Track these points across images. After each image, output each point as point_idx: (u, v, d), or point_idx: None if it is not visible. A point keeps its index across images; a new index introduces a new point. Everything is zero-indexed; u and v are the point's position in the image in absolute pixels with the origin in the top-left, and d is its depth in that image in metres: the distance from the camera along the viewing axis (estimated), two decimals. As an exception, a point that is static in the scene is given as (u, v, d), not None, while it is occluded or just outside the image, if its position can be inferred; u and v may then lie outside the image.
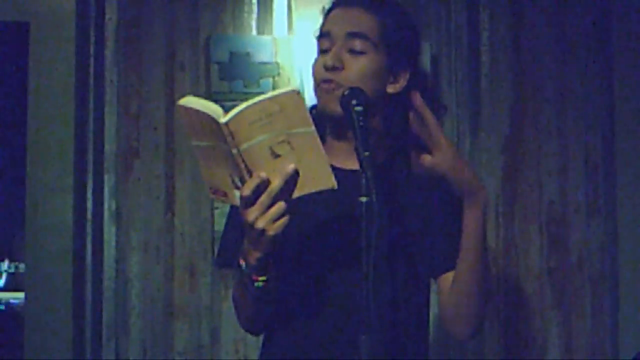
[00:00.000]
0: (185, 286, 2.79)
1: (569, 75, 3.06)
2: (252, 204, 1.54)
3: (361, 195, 1.52)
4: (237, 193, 1.57)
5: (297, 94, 1.50)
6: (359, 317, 1.51)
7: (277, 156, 1.53)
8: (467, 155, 2.98)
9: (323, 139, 1.86)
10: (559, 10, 3.08)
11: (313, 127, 1.52)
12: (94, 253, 2.74)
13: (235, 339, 2.76)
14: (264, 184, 1.53)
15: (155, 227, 2.79)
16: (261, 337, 1.88)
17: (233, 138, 1.50)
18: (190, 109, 1.54)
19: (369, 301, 1.51)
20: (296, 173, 1.54)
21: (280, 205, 1.54)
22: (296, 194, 1.56)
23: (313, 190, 1.57)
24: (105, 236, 2.76)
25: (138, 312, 2.76)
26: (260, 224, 1.54)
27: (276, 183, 1.53)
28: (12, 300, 4.92)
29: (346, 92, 1.70)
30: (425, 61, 2.84)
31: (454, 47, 3.01)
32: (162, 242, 2.79)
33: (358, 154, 1.57)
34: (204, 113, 1.51)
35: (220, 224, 2.39)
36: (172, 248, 2.79)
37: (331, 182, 1.56)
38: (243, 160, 1.52)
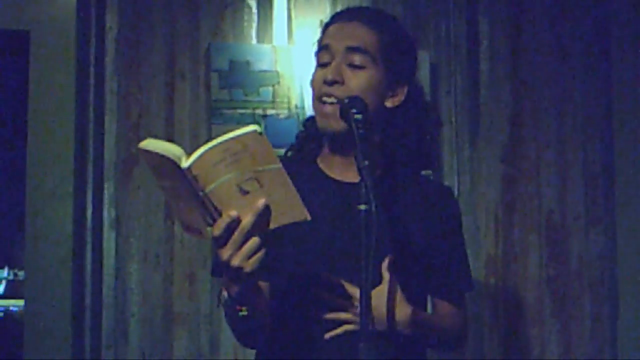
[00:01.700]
0: (184, 294, 2.79)
1: (568, 84, 3.07)
2: (225, 242, 1.52)
3: (360, 204, 1.52)
4: (210, 230, 1.53)
5: (259, 133, 1.46)
6: (358, 325, 1.52)
7: (246, 192, 1.49)
8: (466, 164, 2.98)
9: (320, 150, 1.87)
10: (558, 20, 3.09)
11: (279, 164, 1.48)
12: (93, 260, 2.74)
13: (234, 346, 2.76)
14: (235, 223, 1.50)
15: (155, 235, 2.79)
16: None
17: (197, 181, 1.47)
18: (152, 152, 1.49)
19: (367, 309, 1.51)
20: (267, 208, 1.50)
21: (254, 241, 1.52)
22: (269, 228, 1.53)
23: (286, 223, 1.54)
24: (105, 244, 2.76)
25: (137, 319, 2.76)
26: (235, 262, 1.52)
27: (247, 220, 1.50)
28: (11, 308, 4.92)
29: (346, 101, 1.71)
30: (425, 70, 2.85)
31: (453, 56, 3.02)
32: (162, 249, 2.79)
33: (357, 163, 1.57)
34: (166, 157, 1.47)
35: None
36: (171, 256, 2.79)
37: (303, 215, 1.53)
38: (210, 201, 1.49)
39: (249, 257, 1.52)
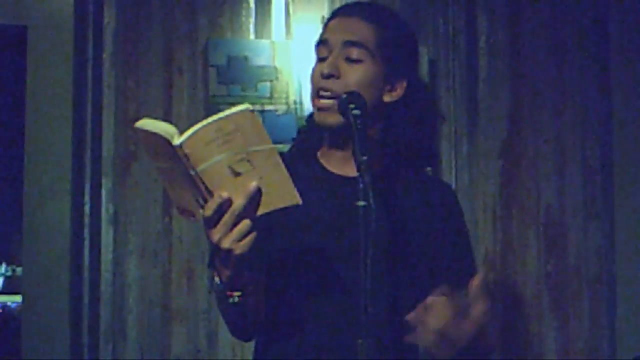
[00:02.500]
0: (182, 290, 2.79)
1: (566, 79, 3.07)
2: (216, 224, 1.52)
3: (358, 200, 1.52)
4: (202, 212, 1.54)
5: (251, 112, 1.47)
6: (357, 321, 1.51)
7: (237, 174, 1.50)
8: (464, 159, 2.98)
9: (320, 144, 1.87)
10: (556, 15, 3.08)
11: (271, 144, 1.49)
12: (91, 256, 2.74)
13: (232, 342, 2.76)
14: (226, 204, 1.51)
15: (153, 231, 2.79)
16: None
17: (189, 159, 1.48)
18: (146, 131, 1.51)
19: (366, 305, 1.51)
20: (259, 190, 1.51)
21: (245, 223, 1.52)
22: (260, 211, 1.54)
23: (277, 207, 1.54)
24: (103, 240, 2.76)
25: (135, 315, 2.76)
26: (225, 244, 1.52)
27: (239, 202, 1.50)
28: (9, 304, 4.92)
29: (344, 96, 1.71)
30: (423, 66, 2.84)
31: (451, 51, 3.01)
32: (160, 246, 2.79)
33: (356, 158, 1.57)
34: (158, 135, 1.49)
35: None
36: (169, 252, 2.79)
37: (295, 198, 1.53)
38: (202, 181, 1.50)
39: (240, 240, 1.52)
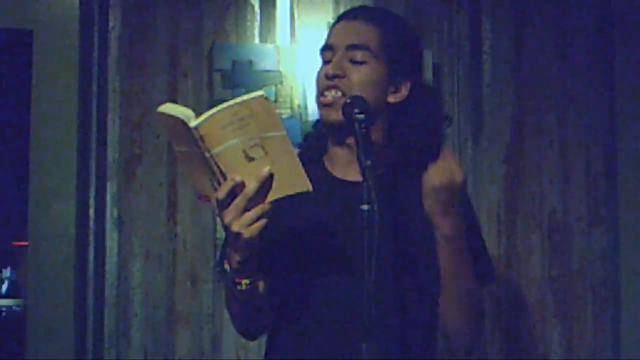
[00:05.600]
0: (187, 293, 2.79)
1: (570, 84, 3.07)
2: (228, 206, 1.56)
3: (362, 204, 1.53)
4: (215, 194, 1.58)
5: (266, 99, 1.52)
6: (361, 324, 1.52)
7: (251, 159, 1.55)
8: (468, 164, 2.98)
9: (326, 149, 1.88)
10: (560, 19, 3.09)
11: (284, 132, 1.53)
12: (96, 260, 2.75)
13: (236, 346, 2.77)
14: (239, 187, 1.55)
15: (158, 234, 2.79)
16: (264, 344, 1.89)
17: (204, 142, 1.53)
18: (166, 114, 1.57)
19: (370, 308, 1.51)
20: (271, 176, 1.55)
21: (256, 208, 1.56)
22: (271, 197, 1.57)
23: (288, 194, 1.58)
24: (108, 243, 2.77)
25: (140, 319, 2.76)
26: (235, 227, 1.56)
27: (251, 186, 1.55)
28: (14, 307, 4.92)
29: (348, 101, 1.72)
30: (428, 70, 2.85)
31: (456, 55, 3.02)
32: (164, 249, 2.79)
33: (360, 163, 1.58)
34: (176, 118, 1.54)
35: (222, 232, 2.39)
36: (174, 255, 2.79)
37: (306, 186, 1.57)
38: (217, 164, 1.54)
39: (250, 224, 1.56)
